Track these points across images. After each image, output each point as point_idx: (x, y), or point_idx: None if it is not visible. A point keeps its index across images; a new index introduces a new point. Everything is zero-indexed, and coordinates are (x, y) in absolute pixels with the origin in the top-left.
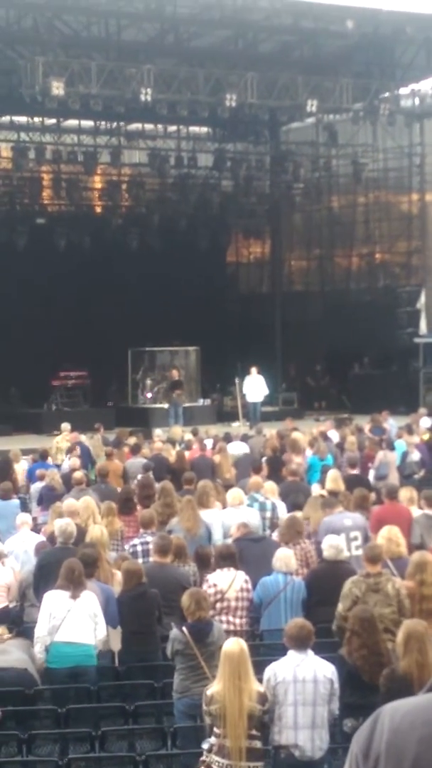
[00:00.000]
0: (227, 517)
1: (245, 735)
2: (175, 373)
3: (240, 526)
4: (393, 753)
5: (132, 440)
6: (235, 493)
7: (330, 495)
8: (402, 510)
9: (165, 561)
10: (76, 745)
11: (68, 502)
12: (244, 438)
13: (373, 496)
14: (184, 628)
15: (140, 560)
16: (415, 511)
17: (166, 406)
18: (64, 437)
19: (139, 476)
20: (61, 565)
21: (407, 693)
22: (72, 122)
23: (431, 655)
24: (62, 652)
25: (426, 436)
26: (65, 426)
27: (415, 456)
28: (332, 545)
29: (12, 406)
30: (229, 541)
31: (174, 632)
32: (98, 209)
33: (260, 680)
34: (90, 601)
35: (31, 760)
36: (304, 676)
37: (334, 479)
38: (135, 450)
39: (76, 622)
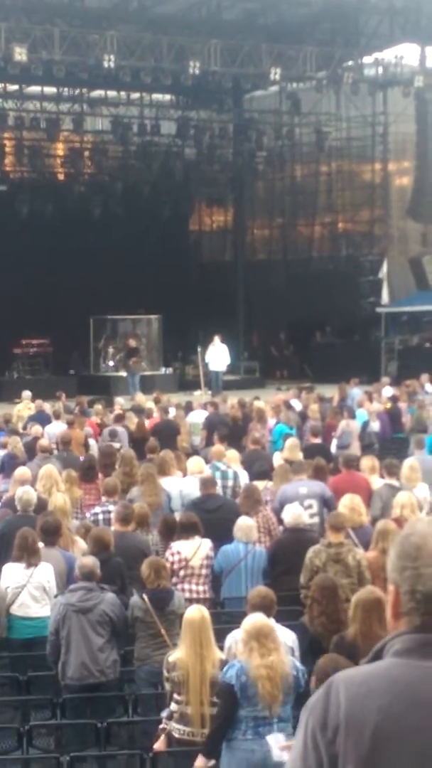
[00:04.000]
0: (186, 485)
1: (207, 702)
2: (132, 342)
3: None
4: (353, 723)
5: (127, 406)
6: (195, 461)
7: (285, 463)
8: (359, 479)
9: (127, 529)
10: (37, 712)
11: (20, 470)
12: (209, 406)
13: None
14: (144, 596)
15: None
16: (377, 481)
17: (125, 374)
18: (26, 405)
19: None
20: None
21: (354, 661)
22: (34, 89)
23: (379, 625)
24: (19, 625)
25: (388, 405)
26: (26, 394)
27: (375, 425)
28: (292, 512)
29: None
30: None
31: (134, 599)
32: (61, 176)
33: (221, 648)
34: (45, 571)
35: None
36: None
37: (291, 447)
38: (118, 419)
39: (32, 595)
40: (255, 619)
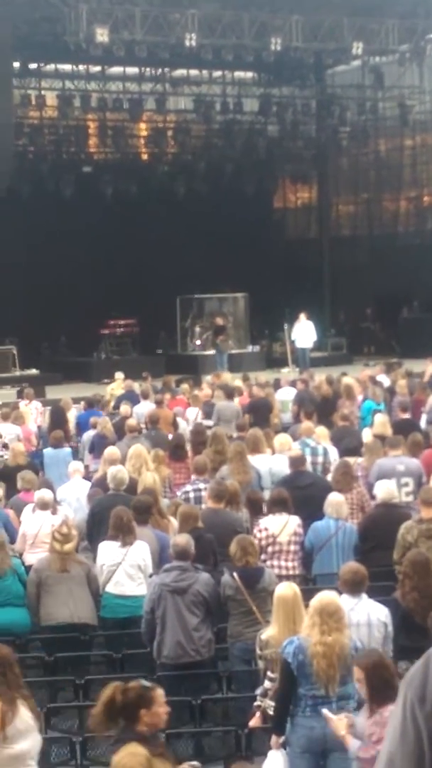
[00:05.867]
0: (276, 463)
1: None
2: (219, 320)
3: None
4: None
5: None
6: (283, 439)
7: (376, 439)
8: None
9: (219, 506)
10: None
11: (109, 450)
12: (298, 383)
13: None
14: (234, 574)
15: None
16: None
17: (213, 353)
18: (119, 385)
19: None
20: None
21: None
22: (117, 69)
23: None
24: (114, 603)
25: None
26: (119, 374)
27: None
28: (385, 488)
29: (62, 355)
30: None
31: (225, 578)
32: (144, 156)
33: None
34: (140, 550)
35: (88, 705)
36: (359, 619)
37: (381, 423)
38: (230, 395)
39: (127, 574)
40: (323, 596)
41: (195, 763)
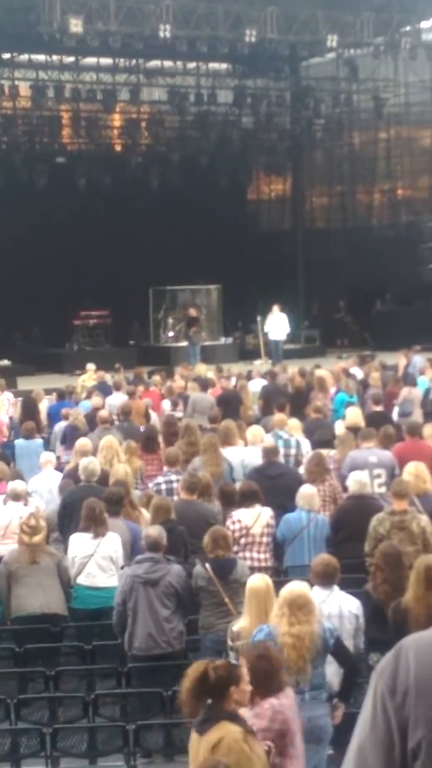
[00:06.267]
0: (248, 455)
1: None
2: (192, 311)
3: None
4: (423, 687)
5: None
6: (256, 431)
7: (348, 431)
8: (424, 447)
9: (192, 498)
10: (102, 681)
11: (81, 441)
12: (266, 376)
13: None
14: (207, 565)
15: None
16: None
17: (186, 344)
18: (90, 376)
19: (164, 415)
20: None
21: (410, 626)
22: (91, 60)
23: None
24: (85, 595)
25: None
26: (90, 365)
27: None
28: (357, 480)
29: (34, 346)
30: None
31: (197, 569)
32: (118, 148)
33: None
34: (112, 542)
35: (58, 696)
36: (330, 611)
37: (354, 416)
38: (203, 386)
39: (99, 566)
40: (293, 587)
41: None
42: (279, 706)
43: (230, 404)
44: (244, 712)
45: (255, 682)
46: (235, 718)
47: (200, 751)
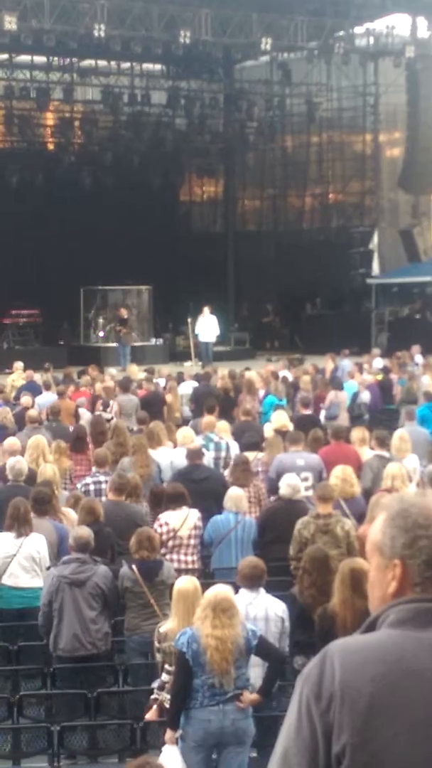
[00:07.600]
0: (177, 456)
1: None
2: (123, 312)
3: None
4: (348, 692)
5: (119, 377)
6: (186, 432)
7: (276, 434)
8: (349, 451)
9: (120, 499)
10: (27, 681)
11: (9, 440)
12: (199, 377)
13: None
14: (133, 566)
15: None
16: (367, 452)
17: (116, 345)
18: (19, 375)
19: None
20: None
21: (338, 631)
22: (24, 58)
23: (360, 596)
24: (9, 595)
25: (380, 377)
26: (18, 364)
27: (365, 396)
28: (290, 484)
29: None
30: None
31: (123, 570)
32: (51, 146)
33: None
34: (36, 542)
35: None
36: (256, 614)
37: (279, 419)
38: (125, 387)
39: (21, 566)
40: (218, 591)
41: None
42: None
43: (153, 406)
44: None
45: None
46: None
47: None
